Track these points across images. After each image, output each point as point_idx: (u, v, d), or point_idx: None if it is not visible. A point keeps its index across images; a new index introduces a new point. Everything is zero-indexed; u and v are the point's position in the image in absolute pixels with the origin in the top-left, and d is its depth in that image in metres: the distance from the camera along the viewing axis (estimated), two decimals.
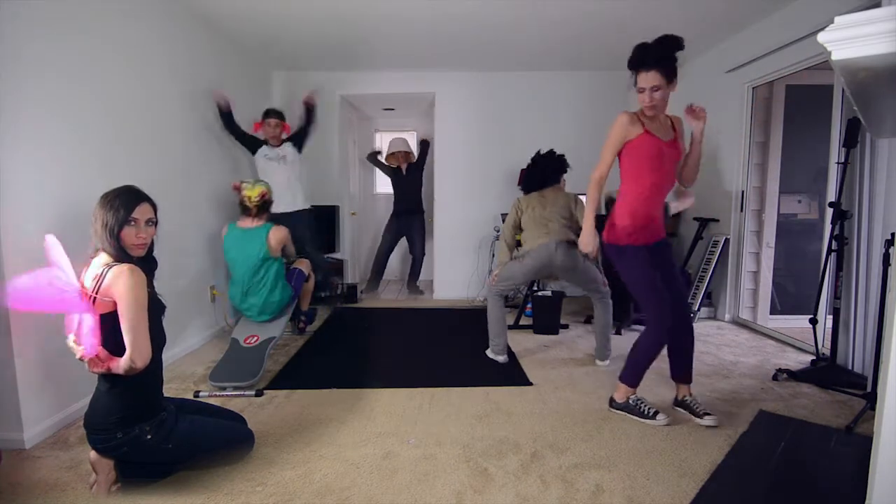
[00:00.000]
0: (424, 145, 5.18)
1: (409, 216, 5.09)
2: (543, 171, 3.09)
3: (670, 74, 1.96)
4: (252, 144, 3.69)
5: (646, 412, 2.16)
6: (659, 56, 1.93)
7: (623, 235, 2.10)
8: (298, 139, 3.80)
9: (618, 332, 3.55)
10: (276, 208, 3.65)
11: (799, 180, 3.89)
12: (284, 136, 3.75)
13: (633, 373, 2.20)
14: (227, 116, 3.55)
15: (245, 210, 2.92)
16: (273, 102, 4.68)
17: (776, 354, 3.11)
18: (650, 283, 2.07)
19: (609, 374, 2.77)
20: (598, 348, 2.96)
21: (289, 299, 3.02)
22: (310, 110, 3.81)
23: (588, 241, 2.20)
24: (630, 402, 2.21)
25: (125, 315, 1.50)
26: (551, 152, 3.18)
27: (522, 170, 4.67)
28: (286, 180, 3.68)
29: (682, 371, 2.23)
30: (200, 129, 3.38)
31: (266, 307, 2.88)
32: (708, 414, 2.11)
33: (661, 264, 2.12)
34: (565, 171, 3.16)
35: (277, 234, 2.90)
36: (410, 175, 5.10)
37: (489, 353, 3.03)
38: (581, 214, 2.92)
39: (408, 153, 5.07)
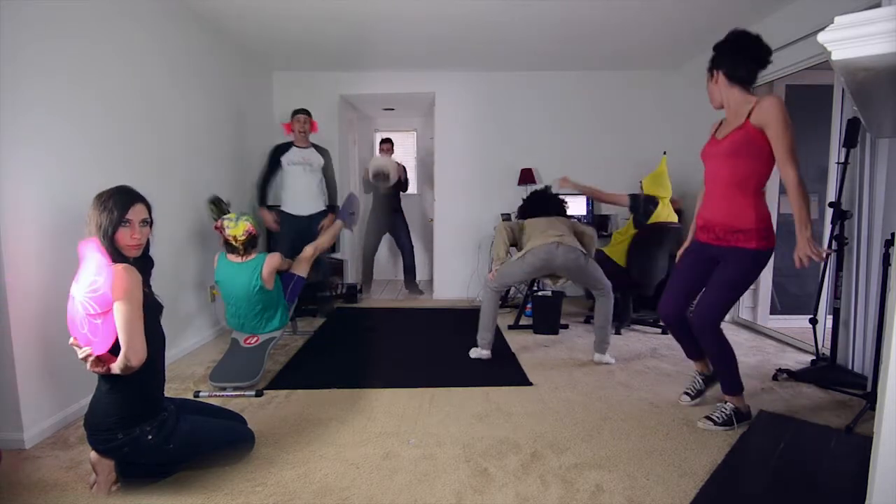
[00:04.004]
0: (403, 171, 5.15)
1: (390, 214, 5.11)
2: (547, 209, 3.19)
3: (711, 70, 2.04)
4: (275, 165, 3.80)
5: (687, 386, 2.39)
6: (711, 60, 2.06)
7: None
8: (328, 166, 3.90)
9: (617, 332, 3.55)
10: (296, 211, 3.76)
11: None
12: (313, 135, 3.85)
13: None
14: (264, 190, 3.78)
15: (232, 248, 2.73)
16: (273, 102, 4.70)
17: (776, 354, 3.11)
18: (675, 268, 2.27)
19: (609, 374, 2.77)
20: (597, 341, 2.97)
21: (287, 319, 2.94)
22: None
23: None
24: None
25: (120, 314, 1.49)
26: (551, 192, 3.30)
27: (523, 170, 4.71)
28: (307, 185, 3.76)
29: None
30: (201, 129, 3.38)
31: (266, 332, 2.83)
32: (708, 419, 2.12)
33: (713, 269, 2.08)
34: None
35: (271, 264, 2.72)
36: (388, 192, 5.07)
37: (473, 352, 3.03)
38: (583, 229, 3.09)
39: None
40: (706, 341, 2.10)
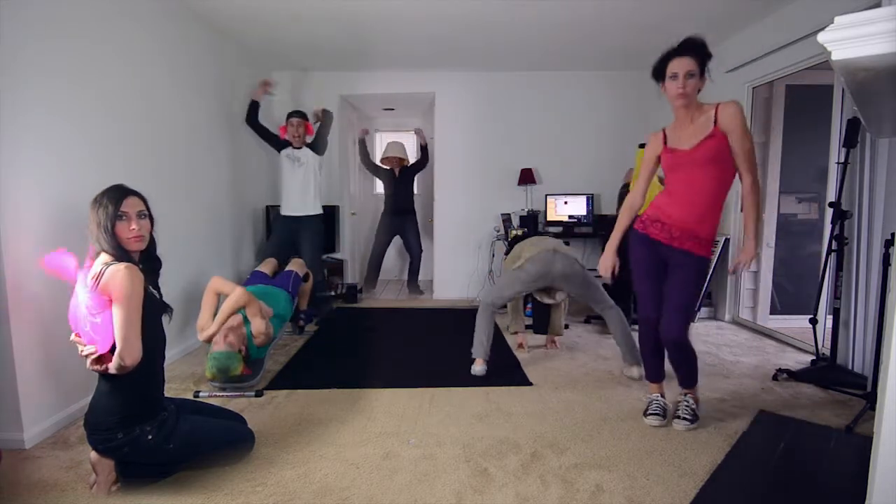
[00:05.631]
0: (424, 150, 5.16)
1: (402, 216, 5.11)
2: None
3: (703, 65, 1.92)
4: (276, 142, 3.83)
5: (646, 409, 2.19)
6: (693, 46, 1.92)
7: (639, 218, 2.14)
8: (315, 144, 3.88)
9: None
10: (286, 211, 3.78)
11: (799, 180, 3.89)
12: (309, 138, 3.86)
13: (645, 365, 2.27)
14: (255, 110, 3.77)
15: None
16: (273, 102, 4.69)
17: (776, 354, 3.11)
18: (638, 268, 2.14)
19: (609, 374, 2.77)
20: (625, 353, 2.76)
21: (292, 307, 3.00)
22: (323, 121, 3.96)
23: (604, 262, 2.18)
24: (646, 398, 2.25)
25: (118, 312, 1.50)
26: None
27: (523, 170, 4.71)
28: (300, 184, 3.77)
29: (676, 374, 2.18)
30: (202, 129, 3.38)
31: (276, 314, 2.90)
32: (681, 419, 2.09)
33: (668, 272, 2.06)
34: None
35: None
36: (403, 177, 5.11)
37: (473, 369, 2.79)
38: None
39: (402, 159, 5.07)
40: (680, 352, 2.08)
